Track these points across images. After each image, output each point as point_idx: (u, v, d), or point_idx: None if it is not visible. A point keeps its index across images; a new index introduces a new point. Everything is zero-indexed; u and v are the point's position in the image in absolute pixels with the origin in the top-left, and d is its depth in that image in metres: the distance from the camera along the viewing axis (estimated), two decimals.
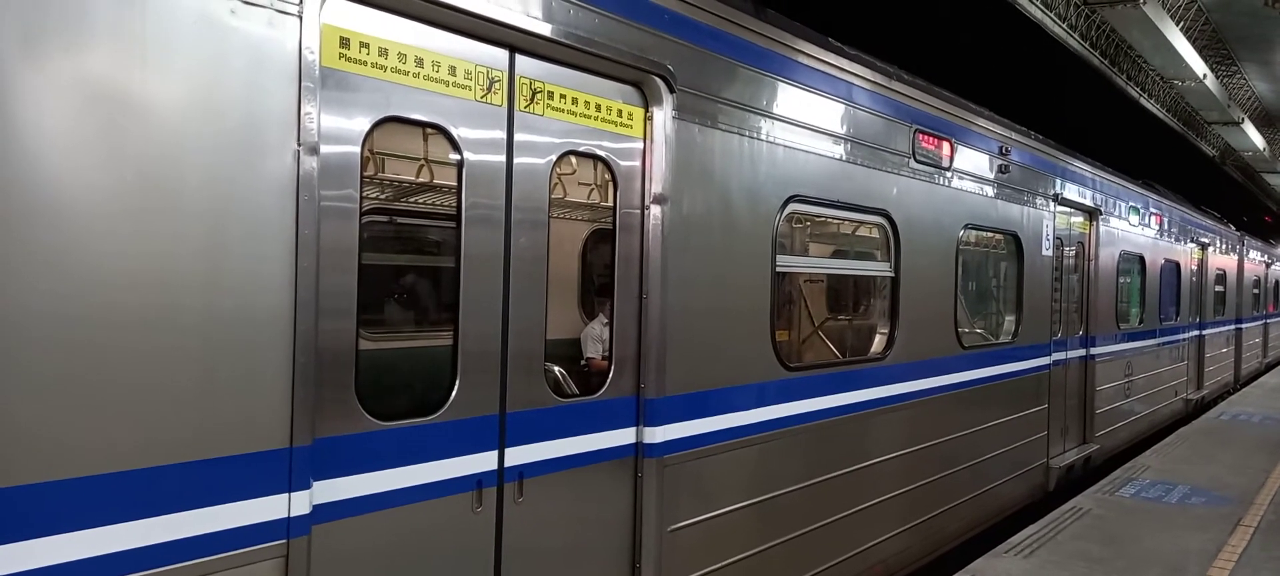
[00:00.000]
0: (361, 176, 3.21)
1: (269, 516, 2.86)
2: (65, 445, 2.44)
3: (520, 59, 3.70)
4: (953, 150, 6.93)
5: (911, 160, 6.37)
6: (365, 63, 3.19)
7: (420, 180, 5.05)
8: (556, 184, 4.27)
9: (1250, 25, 16.37)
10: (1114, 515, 7.72)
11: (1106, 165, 10.93)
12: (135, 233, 2.56)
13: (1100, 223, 10.31)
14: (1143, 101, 19.62)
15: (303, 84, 2.91)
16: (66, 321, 2.43)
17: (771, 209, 5.00)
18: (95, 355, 2.49)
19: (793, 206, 5.20)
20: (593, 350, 5.92)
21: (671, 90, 4.24)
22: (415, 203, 5.55)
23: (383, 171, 5.13)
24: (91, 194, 2.48)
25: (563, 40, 3.72)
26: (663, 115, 4.24)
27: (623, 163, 4.17)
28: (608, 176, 4.19)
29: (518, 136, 3.69)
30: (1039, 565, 6.32)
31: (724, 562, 4.71)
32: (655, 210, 4.23)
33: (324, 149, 3.01)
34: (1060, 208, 9.16)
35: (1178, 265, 13.96)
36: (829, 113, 5.51)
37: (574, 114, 3.92)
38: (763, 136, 4.92)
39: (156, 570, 2.61)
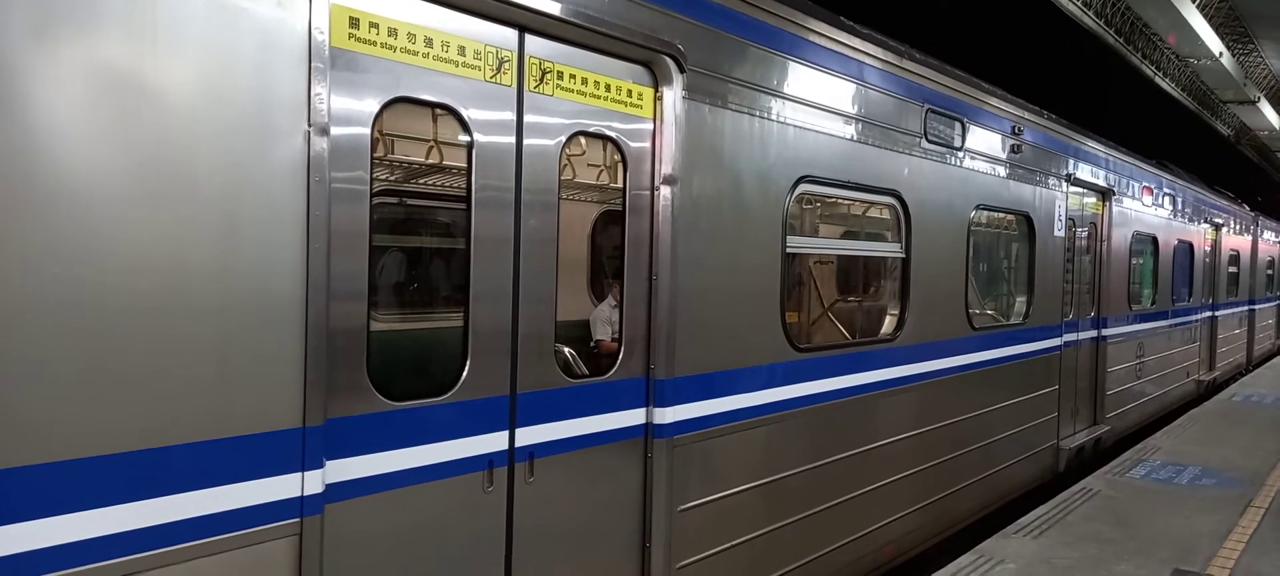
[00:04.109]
0: (372, 158, 3.21)
1: (282, 495, 2.88)
2: (81, 426, 2.46)
3: (530, 38, 3.68)
4: (965, 130, 6.88)
5: (923, 140, 6.32)
6: (374, 43, 3.18)
7: (430, 161, 5.05)
8: (566, 165, 4.26)
9: (1268, 1, 16.12)
10: (1124, 496, 7.71)
11: (1120, 145, 10.83)
12: (148, 218, 2.57)
13: (1113, 203, 10.23)
14: (1157, 80, 19.39)
15: (312, 65, 2.91)
16: (80, 307, 2.45)
17: (782, 189, 4.98)
18: (109, 339, 2.50)
19: (803, 187, 5.17)
20: (602, 332, 5.92)
21: (681, 70, 4.22)
22: (425, 184, 5.55)
23: (393, 153, 5.13)
24: (104, 181, 2.49)
25: (572, 20, 3.70)
26: (673, 95, 4.22)
27: (632, 143, 4.16)
28: (617, 157, 4.17)
29: (527, 117, 3.68)
30: (1049, 545, 6.32)
31: (734, 542, 4.73)
32: (665, 191, 4.22)
33: (334, 130, 3.01)
34: (1073, 188, 9.10)
35: (1191, 246, 13.86)
36: (840, 92, 5.48)
37: (583, 94, 3.91)
38: (773, 116, 4.90)
39: (173, 547, 2.64)
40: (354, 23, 3.12)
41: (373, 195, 3.24)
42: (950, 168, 6.70)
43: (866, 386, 5.79)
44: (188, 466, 2.67)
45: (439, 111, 3.55)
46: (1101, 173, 9.92)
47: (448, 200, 5.54)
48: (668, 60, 4.18)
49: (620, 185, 4.19)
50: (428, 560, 3.41)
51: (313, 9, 2.91)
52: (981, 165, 7.18)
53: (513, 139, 3.65)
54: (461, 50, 3.45)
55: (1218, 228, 15.85)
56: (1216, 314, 16.00)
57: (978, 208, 7.15)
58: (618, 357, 4.18)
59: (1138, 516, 7.11)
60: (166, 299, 2.61)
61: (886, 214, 6.32)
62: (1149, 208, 11.75)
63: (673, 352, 4.26)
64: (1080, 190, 9.43)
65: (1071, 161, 9.03)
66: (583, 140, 4.14)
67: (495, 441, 3.62)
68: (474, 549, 3.58)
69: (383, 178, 5.22)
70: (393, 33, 3.23)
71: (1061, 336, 8.88)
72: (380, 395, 3.23)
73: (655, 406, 4.24)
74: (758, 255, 4.87)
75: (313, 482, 2.95)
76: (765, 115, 4.84)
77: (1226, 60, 18.48)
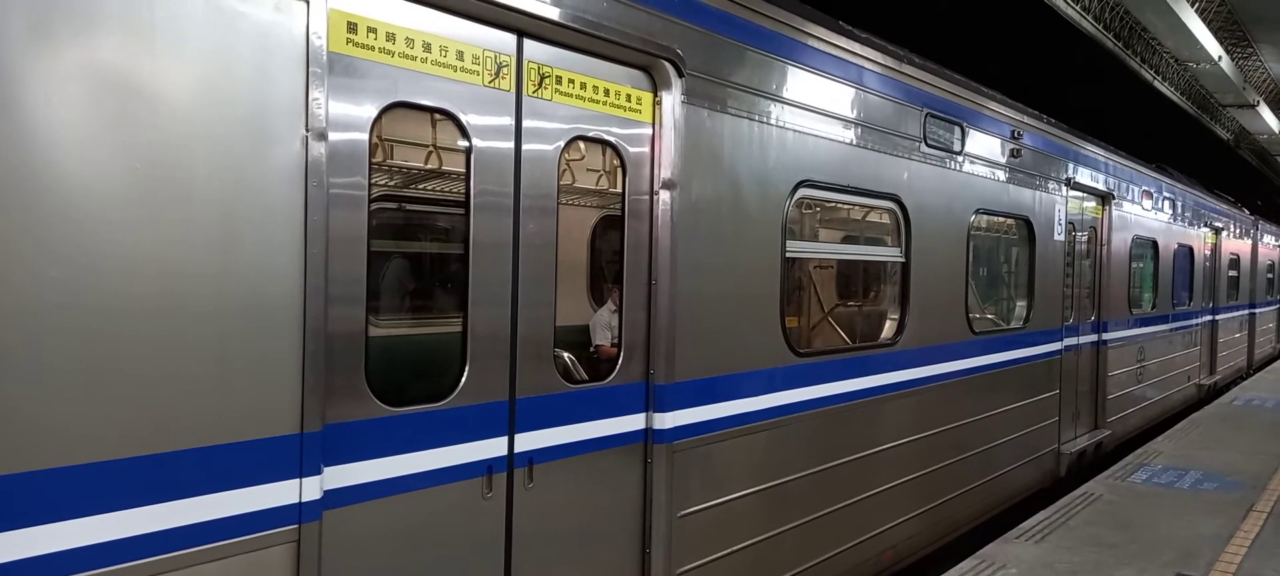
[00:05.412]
0: (370, 163, 3.20)
1: (281, 502, 2.87)
2: (78, 432, 2.45)
3: (528, 43, 3.68)
4: (964, 134, 6.87)
5: (922, 144, 6.32)
6: (372, 48, 3.17)
7: (428, 166, 5.04)
8: (565, 170, 4.25)
9: (1267, 5, 16.12)
10: (1126, 500, 7.69)
11: (1119, 149, 10.83)
12: (145, 222, 2.56)
13: (1113, 207, 10.23)
14: (1156, 84, 19.40)
15: (310, 70, 2.91)
16: (77, 311, 2.44)
17: (781, 194, 4.97)
18: (106, 344, 2.49)
19: (803, 191, 5.17)
20: (601, 337, 5.91)
21: (681, 74, 4.22)
22: (424, 189, 5.55)
23: (391, 158, 5.13)
24: (102, 184, 2.48)
25: (571, 24, 3.70)
26: (672, 100, 4.21)
27: (631, 148, 4.15)
28: (616, 162, 4.17)
29: (526, 122, 3.68)
30: (1051, 550, 6.30)
31: (734, 548, 4.71)
32: (664, 196, 4.21)
33: (332, 135, 3.01)
34: (1072, 192, 9.09)
35: (1191, 250, 13.86)
36: (839, 96, 5.47)
37: (582, 99, 3.90)
38: (772, 121, 4.89)
39: (169, 555, 2.62)
40: (352, 27, 3.12)
41: (371, 200, 3.23)
42: (950, 172, 6.69)
43: (867, 391, 5.78)
44: (184, 472, 2.65)
45: (437, 116, 3.54)
46: (1101, 177, 9.91)
47: (446, 205, 5.54)
48: (666, 65, 4.17)
49: (619, 190, 4.18)
50: (426, 566, 3.39)
51: (310, 13, 2.91)
52: (981, 169, 7.18)
53: (511, 144, 3.64)
54: (460, 55, 3.44)
55: (1218, 231, 15.85)
56: (1217, 318, 15.99)
57: (977, 212, 7.14)
58: (617, 363, 4.17)
59: (1140, 520, 7.09)
60: (163, 303, 2.60)
61: (886, 218, 6.32)
62: (1149, 211, 11.75)
63: (672, 358, 4.24)
64: (1080, 194, 9.43)
65: (1071, 165, 9.03)
66: (581, 145, 4.14)
67: (494, 447, 3.61)
68: (473, 555, 3.56)
69: (381, 182, 5.22)
70: (391, 37, 3.22)
71: (1062, 340, 8.86)
72: (379, 401, 3.22)
73: (655, 411, 4.23)
74: (757, 259, 4.86)
75: (311, 489, 2.94)
76: (764, 119, 4.83)
77: (1225, 64, 18.48)
